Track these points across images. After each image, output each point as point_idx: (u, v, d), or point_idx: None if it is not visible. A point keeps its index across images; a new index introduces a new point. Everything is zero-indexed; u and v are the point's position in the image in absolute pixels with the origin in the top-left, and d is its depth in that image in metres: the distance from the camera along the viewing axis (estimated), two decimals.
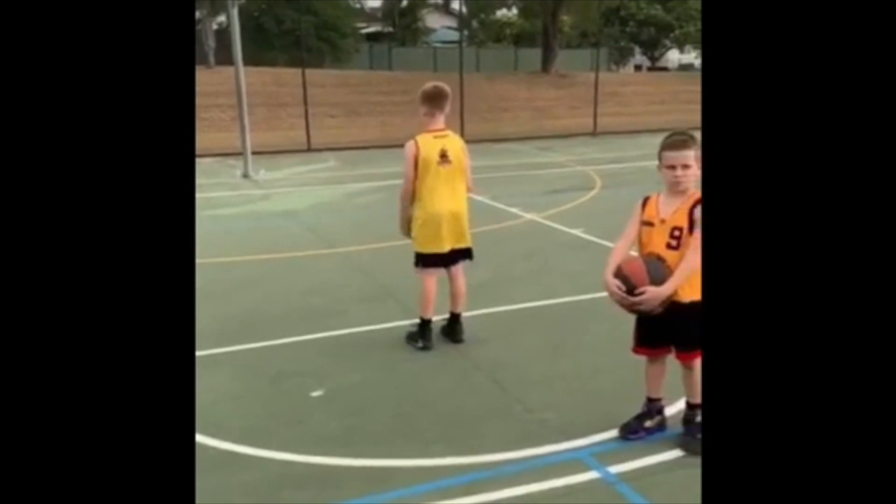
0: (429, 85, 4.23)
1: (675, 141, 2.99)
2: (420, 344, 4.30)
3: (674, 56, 44.78)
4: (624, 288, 2.90)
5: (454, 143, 4.19)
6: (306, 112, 15.04)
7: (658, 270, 2.90)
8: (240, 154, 11.95)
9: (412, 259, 4.38)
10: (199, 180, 11.33)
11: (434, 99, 4.13)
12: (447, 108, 4.19)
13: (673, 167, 2.95)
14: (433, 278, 4.32)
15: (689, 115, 20.04)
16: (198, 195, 9.79)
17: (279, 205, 9.35)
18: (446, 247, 4.22)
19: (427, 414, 3.56)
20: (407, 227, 4.35)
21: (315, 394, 3.77)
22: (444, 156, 4.13)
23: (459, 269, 4.37)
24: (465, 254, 4.36)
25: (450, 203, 4.19)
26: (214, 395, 3.79)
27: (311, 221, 8.25)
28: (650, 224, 3.02)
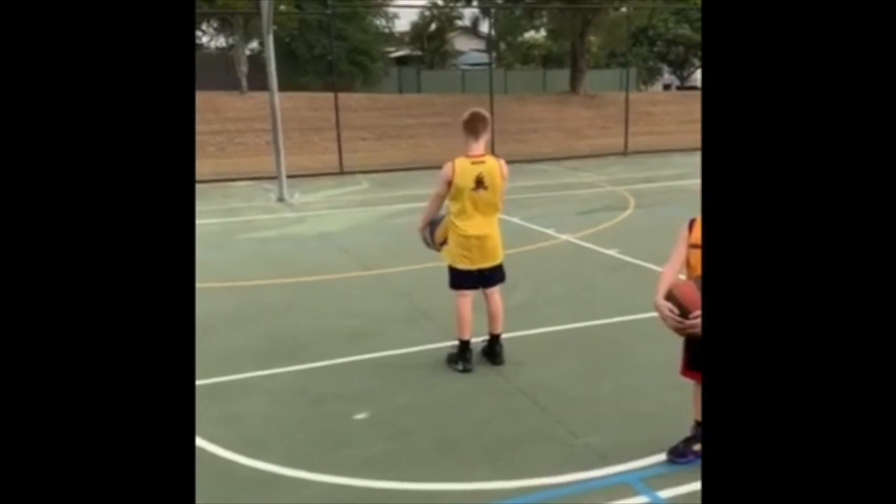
0: (467, 112, 4.30)
1: None
2: (460, 366, 4.29)
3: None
4: (677, 311, 2.84)
5: (493, 171, 4.21)
6: (339, 136, 15.21)
7: (676, 300, 2.85)
8: (274, 178, 12.12)
9: (447, 280, 4.40)
10: (236, 204, 11.54)
11: (468, 125, 4.21)
12: (485, 134, 4.24)
13: None
14: (467, 299, 4.33)
15: None
16: (234, 218, 9.98)
17: (314, 227, 9.44)
18: (477, 264, 4.27)
19: (471, 437, 3.53)
20: (428, 233, 4.47)
21: (358, 416, 3.77)
22: (479, 182, 4.17)
23: (495, 289, 4.37)
24: (499, 273, 4.37)
25: (479, 229, 4.24)
26: (257, 418, 3.81)
27: (345, 243, 8.31)
28: (698, 247, 2.97)
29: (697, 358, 3.08)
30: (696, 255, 2.97)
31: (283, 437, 3.59)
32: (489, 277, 4.32)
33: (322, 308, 5.79)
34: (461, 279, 4.30)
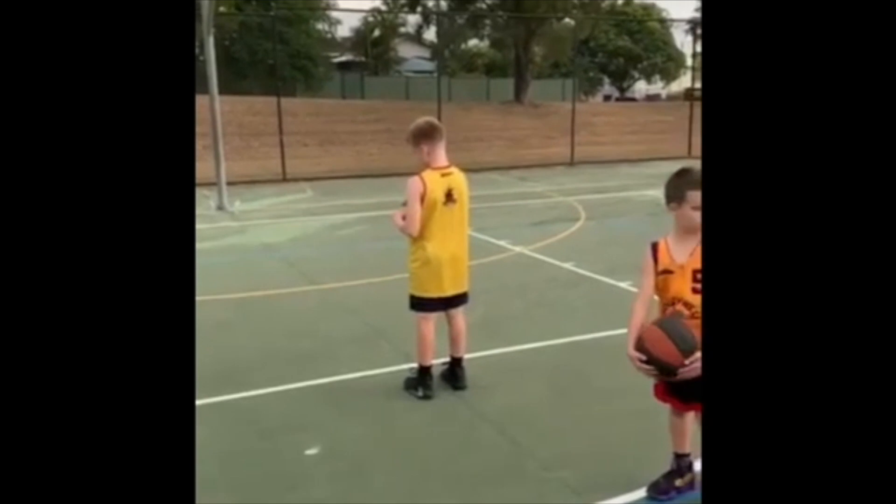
0: (421, 121, 3.99)
1: (689, 180, 2.74)
2: (420, 393, 4.02)
3: (641, 86, 45.59)
4: (651, 367, 2.64)
5: (459, 181, 3.95)
6: (281, 142, 14.75)
7: (678, 331, 2.59)
8: (213, 184, 11.60)
9: (404, 297, 4.11)
10: None
11: (433, 133, 3.89)
12: (444, 142, 3.96)
13: (699, 208, 2.70)
14: (431, 323, 4.05)
15: (661, 144, 20.27)
16: None
17: (257, 238, 9.01)
18: (447, 291, 3.97)
19: (434, 474, 3.27)
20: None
21: (310, 452, 3.46)
22: (449, 195, 3.88)
23: (459, 310, 4.12)
24: (465, 296, 4.11)
25: (452, 246, 3.95)
26: (201, 453, 3.43)
27: (291, 256, 7.93)
28: (668, 272, 2.78)
29: (679, 386, 2.88)
30: (666, 280, 2.77)
31: (225, 477, 3.25)
32: (455, 300, 4.06)
33: (268, 327, 5.43)
34: (425, 304, 4.01)
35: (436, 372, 4.14)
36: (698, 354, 2.53)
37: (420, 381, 4.05)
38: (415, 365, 4.13)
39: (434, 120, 4.01)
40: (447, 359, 4.21)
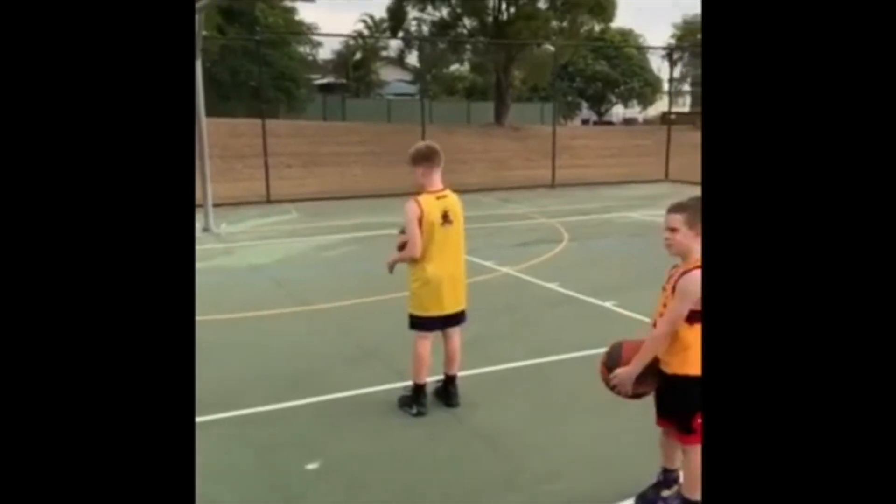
0: (421, 144, 4.15)
1: (671, 204, 2.92)
2: (414, 410, 4.13)
3: (618, 111, 46.33)
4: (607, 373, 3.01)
5: (454, 203, 4.10)
6: (266, 163, 14.82)
7: (612, 354, 2.99)
8: (199, 206, 11.63)
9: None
10: None
11: (431, 157, 4.04)
12: (442, 166, 4.11)
13: (665, 228, 2.87)
14: (428, 342, 4.17)
15: (639, 168, 20.64)
16: None
17: (244, 259, 9.08)
18: (447, 309, 4.10)
19: (431, 487, 3.38)
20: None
21: (310, 466, 3.55)
22: (445, 217, 4.01)
23: (456, 330, 4.24)
24: (462, 315, 4.24)
25: (451, 265, 4.09)
26: (202, 470, 3.51)
27: (279, 277, 8.01)
28: (664, 289, 2.95)
29: (657, 406, 3.04)
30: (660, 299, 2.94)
31: (230, 491, 3.34)
32: (453, 319, 4.18)
33: (261, 347, 5.51)
34: (425, 323, 4.13)
35: (429, 389, 4.25)
36: (624, 370, 2.90)
37: (415, 398, 4.16)
38: (410, 383, 4.24)
39: (434, 144, 4.12)
40: (441, 377, 4.32)
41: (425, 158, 4.03)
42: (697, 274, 2.67)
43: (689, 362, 2.72)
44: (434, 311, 4.08)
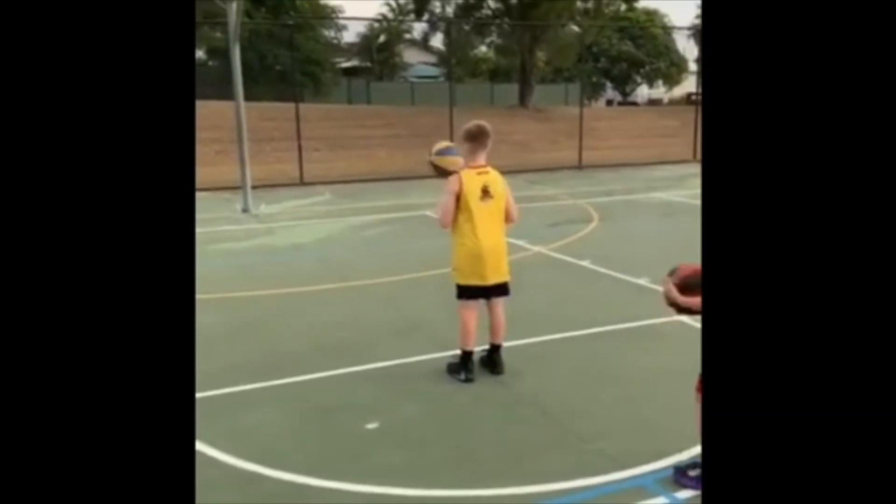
0: (471, 124, 4.36)
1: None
2: (463, 376, 4.38)
3: (643, 91, 46.01)
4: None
5: (496, 180, 4.33)
6: (300, 146, 15.15)
7: (673, 270, 2.98)
8: (232, 188, 11.97)
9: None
10: (200, 215, 11.32)
11: (478, 137, 4.28)
12: (489, 145, 4.33)
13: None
14: (473, 311, 4.41)
15: (666, 148, 20.65)
16: (201, 229, 9.83)
17: (285, 239, 9.39)
18: (490, 280, 4.33)
19: (483, 445, 3.62)
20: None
21: (370, 426, 3.82)
22: (486, 191, 4.26)
23: (500, 301, 4.48)
24: (505, 287, 4.47)
25: (491, 238, 4.30)
26: (270, 430, 3.82)
27: (321, 255, 8.31)
28: None
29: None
30: None
31: (300, 448, 3.61)
32: (496, 290, 4.41)
33: (309, 320, 5.79)
34: (468, 291, 4.38)
35: (476, 357, 4.51)
36: (670, 285, 2.90)
37: (462, 365, 4.41)
38: (456, 351, 4.49)
39: (484, 124, 4.33)
40: (486, 346, 4.57)
41: (471, 137, 4.29)
42: None
43: None
44: (475, 281, 4.32)
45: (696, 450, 3.38)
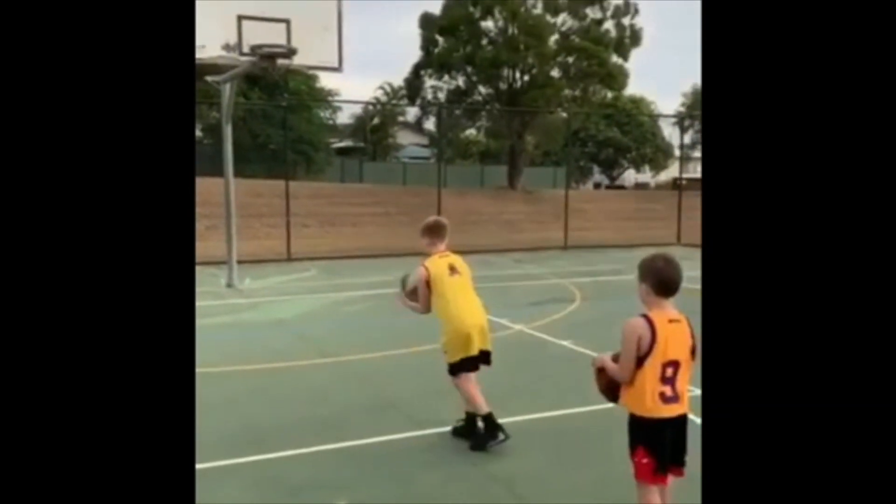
0: (430, 219, 4.79)
1: None
2: (501, 437, 4.43)
3: (630, 175, 47.05)
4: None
5: (457, 259, 4.69)
6: (288, 222, 15.35)
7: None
8: (218, 263, 12.01)
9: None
10: None
11: (435, 229, 4.70)
12: (447, 236, 4.70)
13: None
14: (470, 380, 4.55)
15: (651, 231, 20.96)
16: None
17: (267, 314, 9.38)
18: (476, 350, 4.50)
19: None
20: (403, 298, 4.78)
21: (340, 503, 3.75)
22: (452, 268, 4.60)
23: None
24: (487, 356, 4.60)
25: (473, 316, 4.53)
26: None
27: (301, 330, 8.29)
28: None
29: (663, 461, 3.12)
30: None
31: None
32: (481, 358, 4.56)
33: (285, 396, 5.74)
34: (460, 366, 4.52)
35: (443, 439, 4.50)
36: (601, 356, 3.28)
37: (490, 428, 4.46)
38: (462, 416, 4.63)
39: (442, 220, 4.80)
40: (461, 418, 4.61)
41: (430, 231, 4.69)
42: (632, 321, 3.03)
43: (632, 403, 3.05)
44: (464, 355, 4.50)
45: None
